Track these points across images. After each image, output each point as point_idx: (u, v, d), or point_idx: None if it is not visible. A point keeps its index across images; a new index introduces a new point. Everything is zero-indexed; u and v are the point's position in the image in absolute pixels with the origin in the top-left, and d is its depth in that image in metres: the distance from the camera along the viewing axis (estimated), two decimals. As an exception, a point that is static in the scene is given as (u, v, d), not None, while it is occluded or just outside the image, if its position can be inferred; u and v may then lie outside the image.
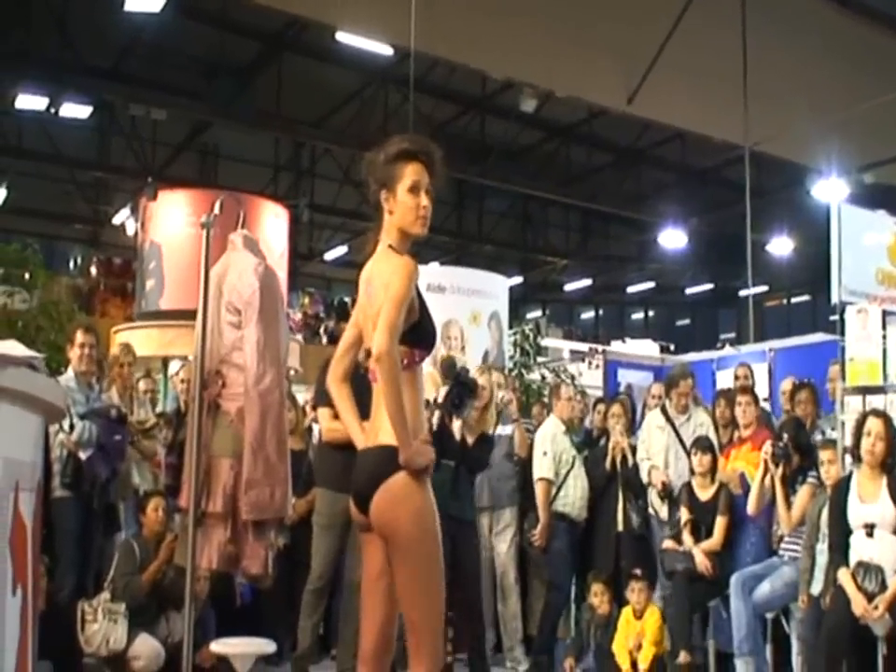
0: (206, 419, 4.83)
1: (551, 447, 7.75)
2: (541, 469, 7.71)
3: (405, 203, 3.49)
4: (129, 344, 8.06)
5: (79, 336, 6.84)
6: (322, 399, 6.03)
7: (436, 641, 3.40)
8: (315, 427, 8.28)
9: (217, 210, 4.81)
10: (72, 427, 6.38)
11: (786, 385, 8.44)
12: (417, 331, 3.43)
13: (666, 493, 7.64)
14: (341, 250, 26.99)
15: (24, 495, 2.77)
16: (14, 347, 2.80)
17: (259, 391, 4.81)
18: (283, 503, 4.83)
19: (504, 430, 7.90)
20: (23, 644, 2.76)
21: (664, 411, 8.01)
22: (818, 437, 7.18)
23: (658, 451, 7.82)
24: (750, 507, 6.94)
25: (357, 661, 3.54)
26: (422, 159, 3.54)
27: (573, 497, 7.79)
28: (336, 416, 5.46)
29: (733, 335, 27.43)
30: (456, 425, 6.53)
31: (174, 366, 10.47)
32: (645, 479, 7.80)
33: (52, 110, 18.14)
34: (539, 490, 7.69)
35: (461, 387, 6.38)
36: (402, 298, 3.33)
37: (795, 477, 6.74)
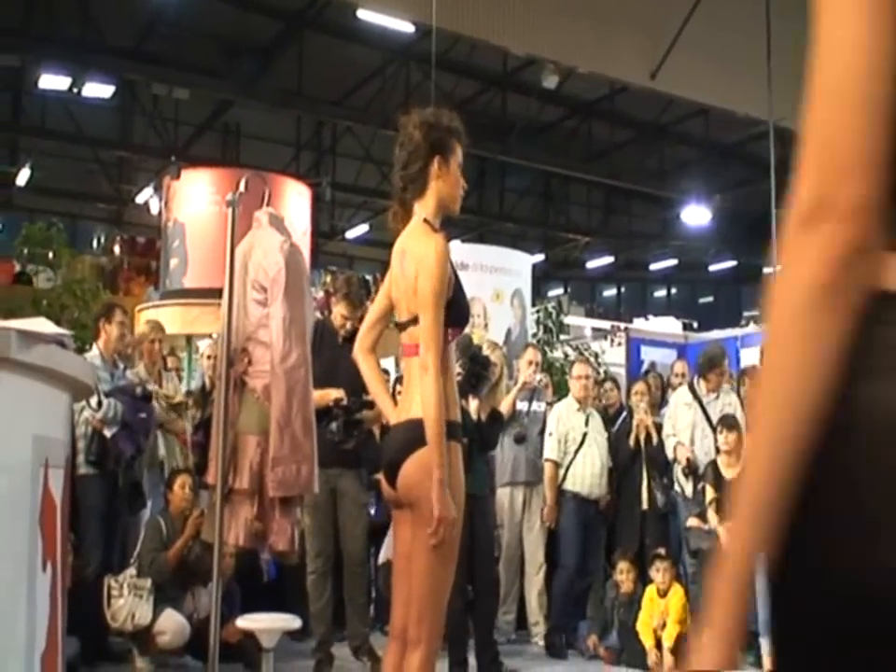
0: (233, 396, 4.84)
1: (556, 427, 7.73)
2: (547, 450, 7.71)
3: (456, 177, 3.47)
4: (158, 322, 8.08)
5: (119, 315, 6.91)
6: None
7: (439, 617, 3.41)
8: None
9: (242, 188, 4.81)
10: (99, 404, 6.41)
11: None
12: (452, 309, 3.39)
13: (691, 469, 7.62)
14: (362, 228, 26.99)
15: (53, 471, 2.78)
16: (43, 324, 2.80)
17: (285, 368, 4.81)
18: (309, 480, 4.83)
19: (539, 407, 7.90)
20: (53, 620, 2.77)
21: (691, 388, 7.98)
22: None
23: (684, 428, 7.80)
24: None
25: (388, 636, 3.55)
26: (461, 142, 3.54)
27: (582, 476, 7.77)
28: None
29: (756, 313, 27.30)
30: (473, 404, 6.51)
31: (202, 344, 10.51)
32: (670, 455, 7.78)
33: (75, 90, 18.17)
34: (545, 471, 7.70)
35: (477, 365, 6.37)
36: (439, 297, 3.31)
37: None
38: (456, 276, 3.45)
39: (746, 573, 1.08)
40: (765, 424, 1.08)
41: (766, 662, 6.55)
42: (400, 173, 3.52)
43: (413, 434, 3.34)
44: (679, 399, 8.03)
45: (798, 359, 1.05)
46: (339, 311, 6.35)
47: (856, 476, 1.01)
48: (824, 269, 1.04)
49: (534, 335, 13.64)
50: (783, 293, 1.08)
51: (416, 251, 3.40)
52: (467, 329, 8.52)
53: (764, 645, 6.59)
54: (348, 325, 6.18)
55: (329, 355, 5.93)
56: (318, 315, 8.16)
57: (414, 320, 3.40)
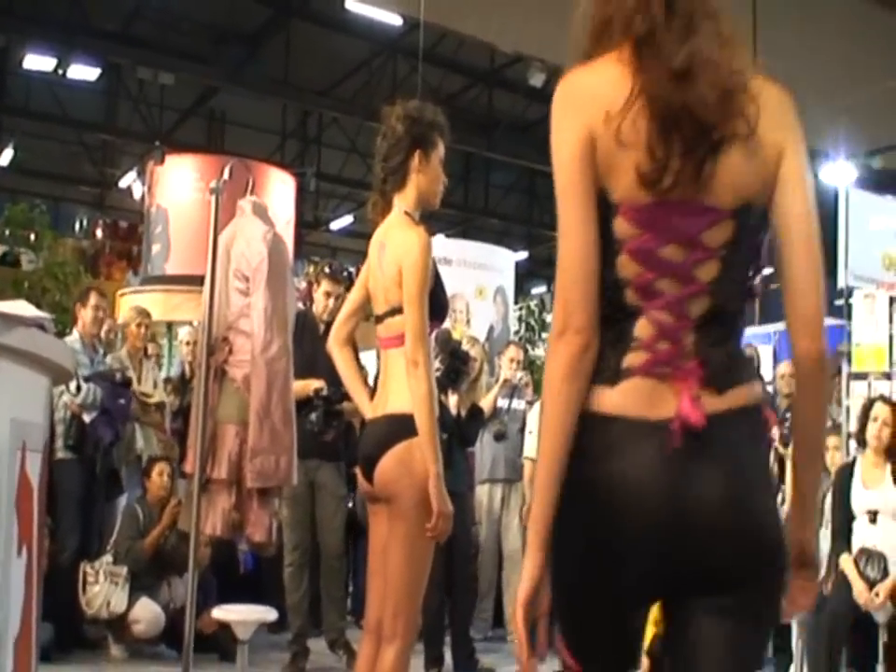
0: (213, 385, 4.81)
1: (537, 426, 7.71)
2: (527, 448, 7.70)
3: (436, 172, 3.47)
4: (145, 308, 8.02)
5: (94, 298, 6.86)
6: None
7: (414, 612, 3.40)
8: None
9: (226, 176, 4.78)
10: (78, 388, 6.37)
11: (784, 367, 8.42)
12: (431, 303, 3.38)
13: None
14: (346, 220, 26.92)
15: (31, 455, 2.76)
16: (23, 307, 2.78)
17: (266, 359, 4.79)
18: (288, 471, 4.82)
19: (519, 405, 7.89)
20: (28, 605, 2.75)
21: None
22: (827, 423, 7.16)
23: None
24: None
25: (363, 630, 3.54)
26: (444, 137, 3.53)
27: None
28: None
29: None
30: (453, 399, 6.50)
31: (182, 332, 10.46)
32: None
33: (60, 72, 18.04)
34: (525, 469, 7.68)
35: (457, 360, 6.36)
36: (423, 293, 3.30)
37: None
38: (436, 269, 3.45)
39: (543, 526, 1.79)
40: (542, 446, 1.82)
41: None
42: (381, 164, 3.52)
43: (391, 429, 3.33)
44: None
45: (559, 408, 1.78)
46: (322, 290, 6.35)
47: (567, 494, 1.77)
48: (569, 359, 1.76)
49: (516, 332, 13.64)
50: (549, 374, 1.79)
51: (397, 244, 3.39)
52: (448, 324, 8.52)
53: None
54: (331, 303, 6.18)
55: (311, 345, 5.92)
56: (300, 305, 8.14)
57: (392, 312, 3.39)
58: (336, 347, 3.70)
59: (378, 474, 3.34)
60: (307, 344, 5.87)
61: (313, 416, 5.95)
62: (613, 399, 1.76)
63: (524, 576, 1.83)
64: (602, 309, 1.79)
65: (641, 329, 1.78)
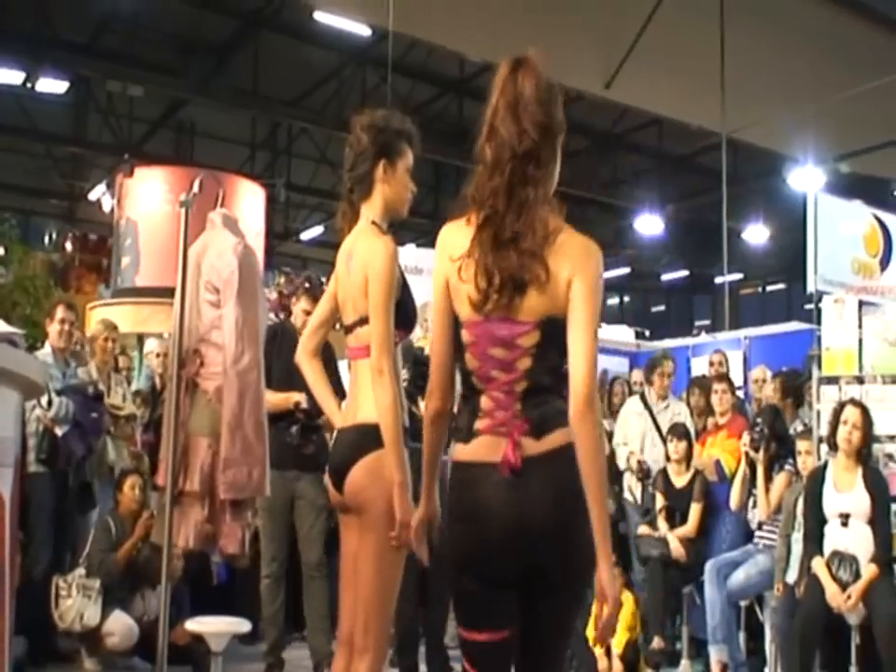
0: (184, 398, 4.80)
1: None
2: None
3: (403, 181, 3.45)
4: (112, 321, 7.99)
5: (60, 312, 6.81)
6: None
7: (386, 624, 3.39)
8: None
9: (196, 189, 4.77)
10: (49, 402, 6.34)
11: (757, 373, 8.47)
12: (398, 312, 3.38)
13: (643, 473, 7.67)
14: (317, 230, 26.92)
15: (2, 471, 2.76)
16: (-5, 323, 2.78)
17: (238, 370, 4.78)
18: (261, 483, 4.81)
19: None
20: (0, 620, 2.75)
21: (642, 398, 8.05)
22: (799, 427, 7.20)
23: (635, 436, 7.86)
24: (733, 502, 6.99)
25: (337, 642, 3.53)
26: (413, 146, 3.52)
27: None
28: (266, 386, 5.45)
29: (707, 322, 27.51)
30: (423, 405, 6.48)
31: (149, 343, 10.41)
32: (623, 465, 7.83)
33: (28, 85, 17.94)
34: None
35: (422, 366, 6.36)
36: (388, 303, 3.30)
37: (772, 465, 6.78)
38: (404, 279, 3.45)
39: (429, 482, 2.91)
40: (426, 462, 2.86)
41: (715, 669, 6.63)
42: (348, 174, 3.52)
43: (361, 439, 3.32)
44: (631, 407, 8.09)
45: (426, 444, 2.83)
46: (301, 307, 6.34)
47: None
48: (432, 413, 2.79)
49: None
50: (425, 423, 2.82)
51: (364, 253, 3.38)
52: (419, 333, 8.54)
53: (713, 652, 6.65)
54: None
55: (288, 357, 5.89)
56: (274, 317, 8.11)
57: (360, 322, 3.39)
58: (305, 358, 3.69)
59: (348, 484, 3.32)
60: (286, 356, 5.85)
61: (293, 430, 5.94)
62: (468, 451, 2.63)
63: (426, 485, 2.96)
64: (462, 388, 2.71)
65: (485, 402, 2.62)
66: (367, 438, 3.28)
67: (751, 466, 6.86)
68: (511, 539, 2.53)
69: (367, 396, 3.33)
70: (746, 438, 6.85)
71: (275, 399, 5.12)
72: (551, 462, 2.54)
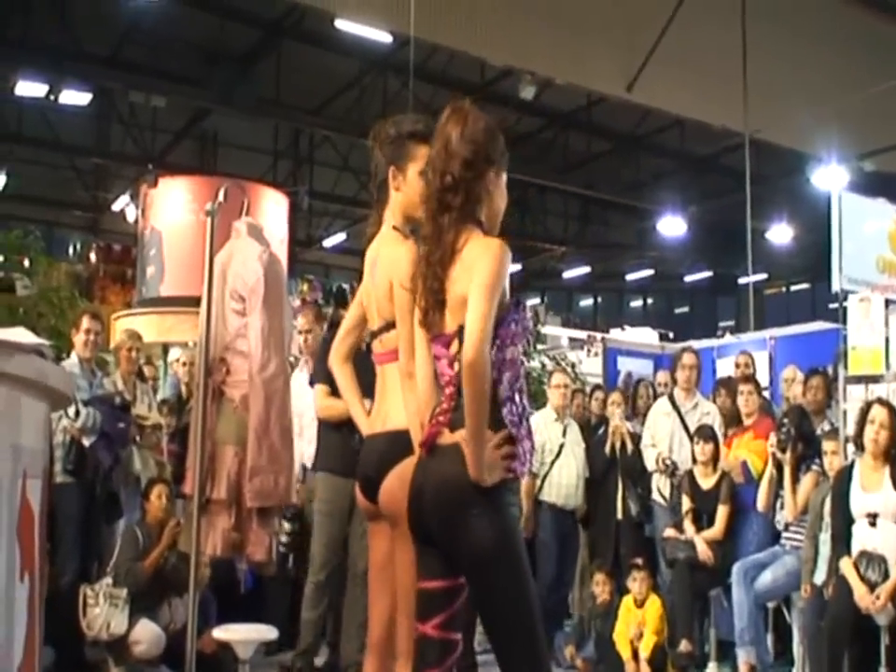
0: (210, 406, 4.82)
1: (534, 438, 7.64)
2: None
3: (414, 185, 3.38)
4: (136, 331, 8.02)
5: (86, 322, 6.85)
6: (318, 376, 5.94)
7: None
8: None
9: (221, 198, 4.80)
10: (77, 413, 6.37)
11: (788, 372, 8.42)
12: None
13: (670, 470, 7.62)
14: (339, 237, 26.97)
15: (32, 482, 2.77)
16: (21, 334, 2.80)
17: (264, 378, 4.80)
18: (287, 490, 4.83)
19: None
20: (31, 631, 2.76)
21: (671, 398, 8.01)
22: (826, 426, 7.16)
23: (663, 437, 7.82)
24: (760, 503, 6.95)
25: (366, 650, 3.51)
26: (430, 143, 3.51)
27: (557, 486, 7.79)
28: (331, 393, 5.44)
29: (731, 323, 27.42)
30: None
31: (174, 352, 10.45)
32: (651, 467, 7.78)
33: (52, 97, 18.07)
34: (522, 482, 7.64)
35: None
36: (414, 308, 3.18)
37: (799, 466, 6.74)
38: None
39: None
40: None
41: (743, 670, 6.60)
42: (372, 181, 3.57)
43: (392, 446, 3.29)
44: (659, 408, 8.06)
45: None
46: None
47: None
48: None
49: (511, 345, 13.60)
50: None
51: (387, 259, 3.40)
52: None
53: (741, 654, 6.63)
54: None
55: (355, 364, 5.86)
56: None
57: (386, 327, 3.39)
58: (336, 363, 3.71)
59: (382, 493, 3.31)
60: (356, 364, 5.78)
61: (356, 436, 5.92)
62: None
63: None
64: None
65: (443, 398, 3.00)
66: (399, 444, 3.24)
67: (778, 467, 6.82)
68: (412, 505, 3.00)
69: (395, 401, 3.32)
70: (773, 439, 6.82)
71: (340, 406, 5.10)
72: (456, 450, 2.86)
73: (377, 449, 3.39)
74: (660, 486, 7.77)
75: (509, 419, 2.95)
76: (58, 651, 6.09)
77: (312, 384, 6.17)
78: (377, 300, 3.42)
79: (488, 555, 2.83)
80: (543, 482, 7.78)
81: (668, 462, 7.65)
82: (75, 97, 18.49)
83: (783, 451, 6.72)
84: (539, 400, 9.24)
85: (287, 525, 6.60)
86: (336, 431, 5.47)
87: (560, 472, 7.80)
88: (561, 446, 7.86)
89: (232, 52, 19.36)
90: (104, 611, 6.22)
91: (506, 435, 2.91)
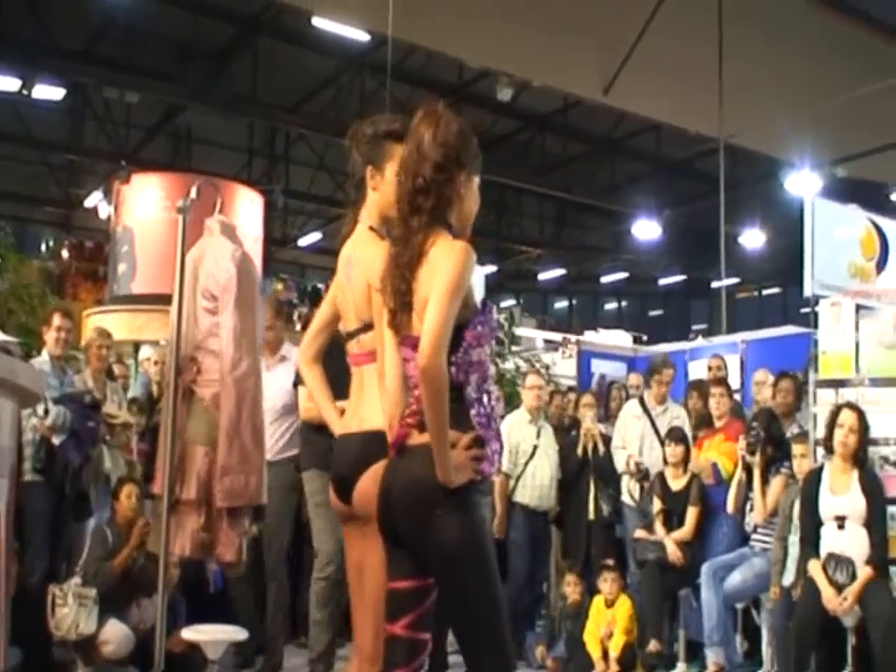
0: (181, 405, 4.80)
1: (507, 439, 7.62)
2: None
3: (392, 185, 3.26)
4: (106, 329, 7.96)
5: (58, 319, 6.80)
6: (301, 378, 5.91)
7: None
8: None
9: (193, 195, 4.77)
10: (46, 411, 6.32)
11: (760, 375, 8.46)
12: None
13: (641, 474, 7.67)
14: (315, 236, 26.91)
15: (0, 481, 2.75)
16: (-11, 332, 2.78)
17: (235, 377, 4.78)
18: (258, 490, 4.81)
19: None
20: (-4, 630, 2.74)
21: (641, 401, 8.05)
22: (795, 429, 7.20)
23: (633, 439, 7.86)
24: (730, 506, 6.99)
25: (355, 658, 3.42)
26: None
27: (531, 488, 7.81)
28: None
29: (704, 326, 27.51)
30: None
31: (144, 350, 10.39)
32: (621, 468, 7.83)
33: (25, 92, 17.95)
34: (496, 482, 7.66)
35: None
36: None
37: (768, 468, 6.78)
38: None
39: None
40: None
41: (711, 671, 6.63)
42: (350, 180, 3.56)
43: (368, 447, 3.24)
44: (629, 410, 8.09)
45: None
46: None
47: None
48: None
49: (485, 346, 13.60)
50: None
51: (364, 259, 3.37)
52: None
53: (710, 655, 6.66)
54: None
55: (339, 366, 5.78)
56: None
57: (364, 328, 3.36)
58: (305, 364, 3.66)
59: (357, 493, 3.27)
60: (337, 365, 5.63)
61: None
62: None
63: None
64: None
65: (412, 400, 2.99)
66: (374, 445, 3.19)
67: (748, 470, 6.86)
68: (381, 505, 3.01)
69: (372, 402, 3.28)
70: (742, 442, 6.85)
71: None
72: (425, 450, 2.86)
73: (353, 449, 3.34)
74: (629, 488, 7.81)
75: (477, 420, 2.94)
76: (25, 652, 6.04)
77: (296, 385, 6.11)
78: (354, 301, 3.40)
79: (455, 555, 2.84)
80: (517, 483, 7.79)
81: (642, 468, 7.69)
82: (48, 92, 18.35)
83: (752, 454, 6.76)
84: (513, 402, 9.25)
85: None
86: (320, 433, 5.41)
87: (534, 474, 7.82)
88: (535, 448, 7.88)
89: (208, 49, 19.28)
90: (72, 611, 6.17)
91: (474, 436, 2.90)
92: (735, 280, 26.02)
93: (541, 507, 7.87)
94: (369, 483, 3.22)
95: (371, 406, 3.28)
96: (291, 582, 6.65)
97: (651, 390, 8.07)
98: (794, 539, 6.28)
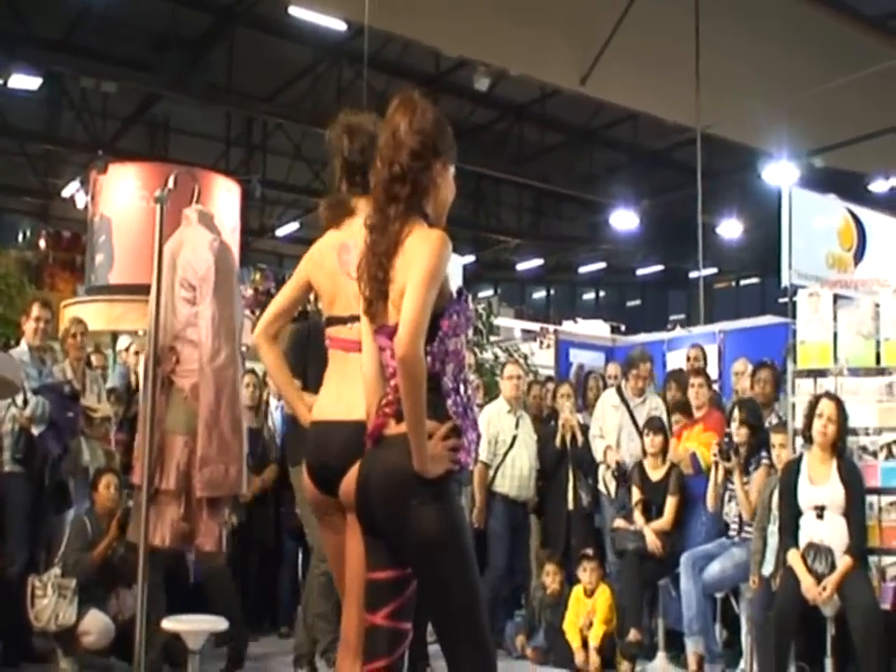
0: (160, 395, 4.78)
1: (486, 429, 7.64)
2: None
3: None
4: (79, 317, 7.93)
5: (36, 310, 6.76)
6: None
7: None
8: (273, 403, 8.23)
9: (171, 185, 4.74)
10: (25, 402, 6.29)
11: (739, 365, 8.48)
12: None
13: (620, 472, 7.71)
14: (292, 226, 26.87)
15: (-22, 470, 2.74)
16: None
17: (214, 367, 4.78)
18: (237, 480, 4.81)
19: None
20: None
21: (619, 391, 8.07)
22: (773, 419, 7.23)
23: (611, 430, 7.88)
24: (710, 504, 6.99)
25: (340, 650, 3.37)
26: None
27: (511, 478, 7.81)
28: (301, 388, 5.32)
29: (682, 316, 27.59)
30: None
31: (123, 341, 10.35)
32: (599, 457, 7.85)
33: (1, 81, 17.82)
34: (475, 472, 7.67)
35: None
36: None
37: (748, 461, 6.79)
38: None
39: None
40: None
41: (691, 661, 6.66)
42: (345, 162, 3.52)
43: (357, 438, 3.11)
44: (607, 400, 8.11)
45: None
46: None
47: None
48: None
49: (464, 336, 13.62)
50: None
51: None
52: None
53: (689, 644, 6.69)
54: None
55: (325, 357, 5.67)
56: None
57: (359, 316, 3.23)
58: (265, 343, 3.54)
59: (346, 483, 3.18)
60: (322, 356, 5.41)
61: None
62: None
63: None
64: None
65: (389, 390, 2.98)
66: (364, 435, 3.08)
67: (725, 468, 6.85)
68: (359, 496, 2.99)
69: (360, 390, 3.16)
70: (714, 448, 6.85)
71: (308, 401, 4.91)
72: (402, 440, 2.85)
73: (340, 438, 3.25)
74: (605, 479, 7.84)
75: (453, 410, 2.94)
76: (5, 642, 6.05)
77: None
78: (352, 288, 3.22)
79: (433, 545, 2.84)
80: (496, 473, 7.79)
81: (623, 467, 7.71)
82: (24, 81, 18.22)
83: (727, 459, 6.76)
84: (492, 392, 9.26)
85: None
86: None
87: (513, 464, 7.82)
88: (514, 437, 7.88)
89: (185, 38, 19.18)
90: (52, 602, 6.16)
91: (451, 426, 2.90)
92: (712, 270, 26.12)
93: (521, 497, 7.88)
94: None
95: (361, 394, 3.16)
96: (270, 574, 6.61)
97: (628, 382, 8.09)
98: (773, 529, 6.30)
